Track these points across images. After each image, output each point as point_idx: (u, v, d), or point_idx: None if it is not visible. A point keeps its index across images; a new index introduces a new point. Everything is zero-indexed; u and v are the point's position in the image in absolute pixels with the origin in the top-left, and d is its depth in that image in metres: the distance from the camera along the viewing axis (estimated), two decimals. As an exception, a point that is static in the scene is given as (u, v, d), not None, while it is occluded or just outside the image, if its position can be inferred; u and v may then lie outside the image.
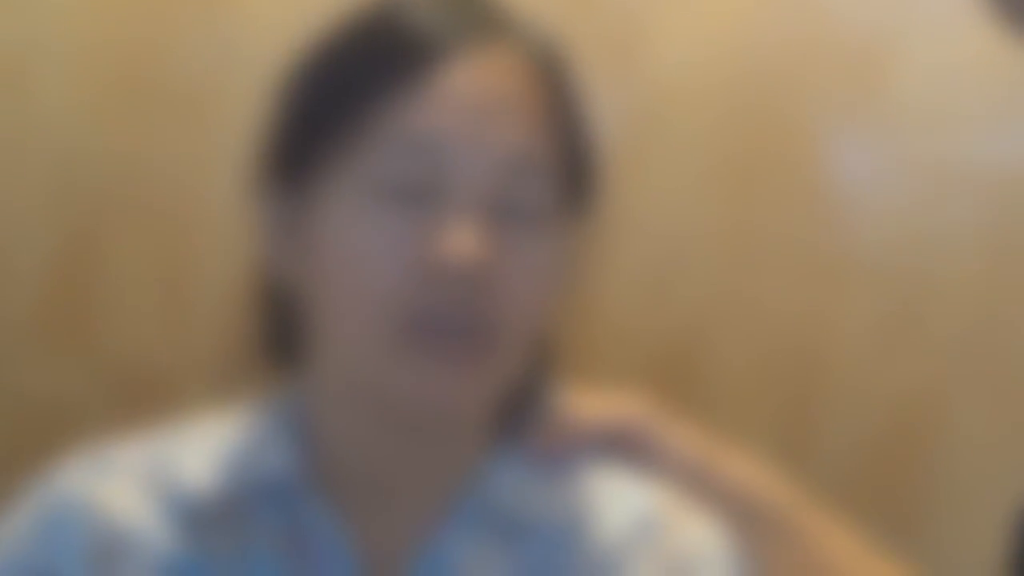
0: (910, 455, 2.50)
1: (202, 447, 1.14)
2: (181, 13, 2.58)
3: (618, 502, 1.17)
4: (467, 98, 1.08)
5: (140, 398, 2.47)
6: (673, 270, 2.53)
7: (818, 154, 2.51)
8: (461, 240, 1.05)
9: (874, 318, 2.51)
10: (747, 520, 1.21)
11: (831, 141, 2.51)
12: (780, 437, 2.49)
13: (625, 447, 1.20)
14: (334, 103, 1.10)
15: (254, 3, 2.54)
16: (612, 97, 2.50)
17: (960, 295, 2.48)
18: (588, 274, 1.19)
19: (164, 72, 2.58)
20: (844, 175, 2.51)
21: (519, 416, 1.16)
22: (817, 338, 2.52)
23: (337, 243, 1.08)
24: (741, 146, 2.52)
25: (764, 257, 2.52)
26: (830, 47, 2.48)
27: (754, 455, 1.24)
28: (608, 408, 1.20)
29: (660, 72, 2.51)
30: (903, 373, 2.50)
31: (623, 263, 2.50)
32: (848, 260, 2.51)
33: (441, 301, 1.06)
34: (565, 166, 1.12)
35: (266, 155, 1.14)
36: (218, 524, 1.11)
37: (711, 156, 2.52)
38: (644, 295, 2.53)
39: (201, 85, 2.56)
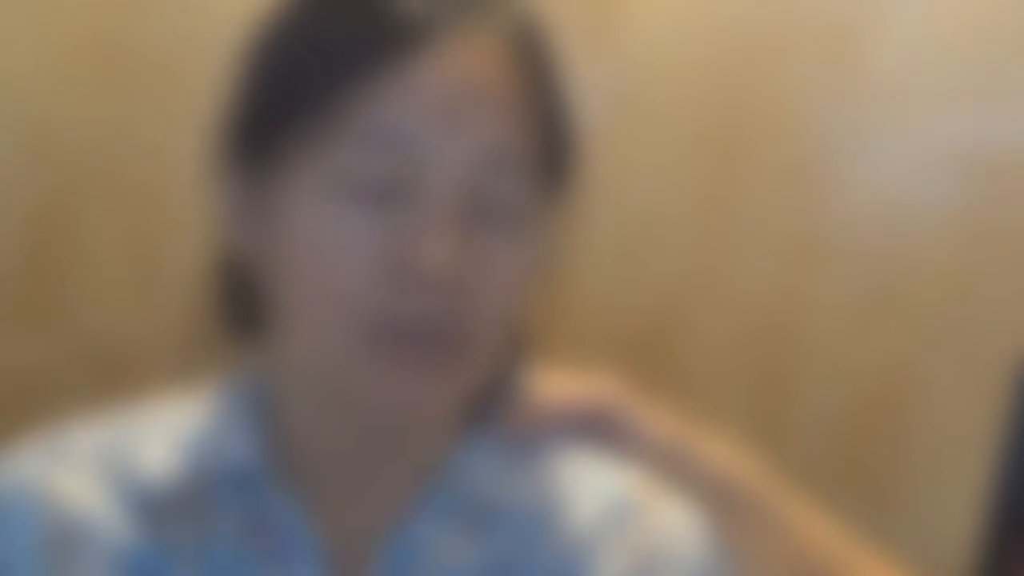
0: (883, 431, 2.52)
1: (161, 432, 1.10)
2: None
3: (591, 486, 1.14)
4: (444, 89, 1.00)
5: (111, 371, 2.47)
6: (648, 247, 2.54)
7: (795, 132, 2.52)
8: (435, 245, 0.99)
9: (848, 295, 2.52)
10: (721, 503, 1.20)
11: (809, 119, 2.51)
12: (755, 413, 2.50)
13: (597, 429, 1.19)
14: (298, 85, 1.03)
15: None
16: (589, 74, 2.49)
17: (934, 273, 2.50)
18: (564, 256, 1.16)
19: (135, 40, 2.56)
20: (821, 152, 2.52)
21: (490, 401, 1.13)
22: (791, 315, 2.53)
23: (302, 238, 1.02)
24: (718, 124, 2.52)
25: (739, 234, 2.52)
26: (809, 26, 2.48)
27: (729, 431, 1.24)
28: (579, 389, 1.19)
29: (637, 48, 2.51)
30: (877, 350, 2.51)
31: (598, 240, 2.50)
32: (823, 238, 2.52)
33: (413, 308, 1.00)
34: (545, 155, 1.06)
35: (225, 133, 1.08)
36: (178, 513, 1.07)
37: (688, 133, 2.52)
38: (619, 272, 2.53)
39: (173, 53, 2.55)
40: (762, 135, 2.51)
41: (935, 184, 2.48)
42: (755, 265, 2.52)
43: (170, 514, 1.07)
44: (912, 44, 2.46)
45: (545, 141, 1.06)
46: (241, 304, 1.12)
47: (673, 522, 1.14)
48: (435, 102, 1.00)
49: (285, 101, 1.03)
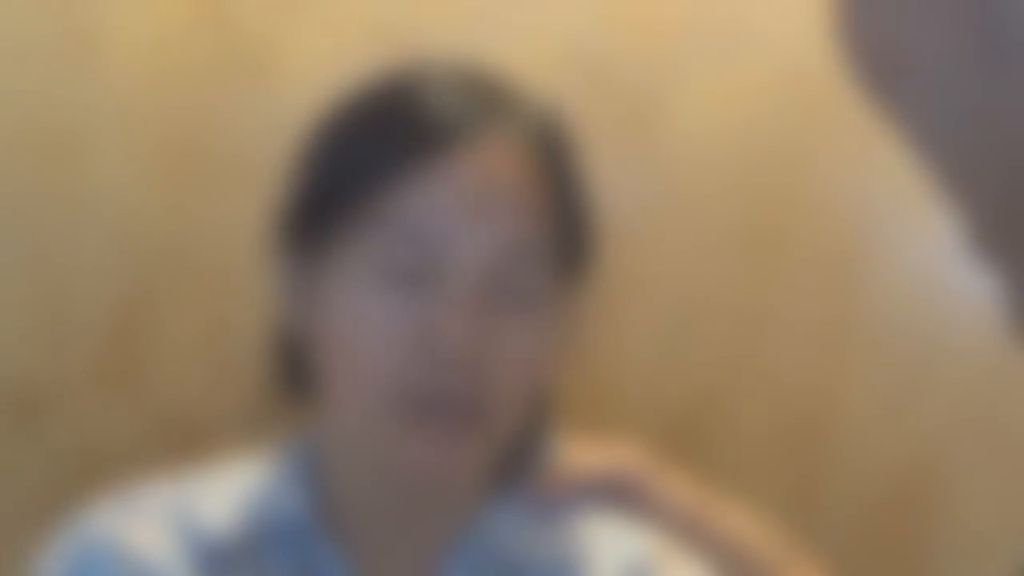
0: (916, 519, 2.50)
1: (223, 490, 1.21)
2: (229, 83, 2.64)
3: (611, 547, 1.23)
4: (467, 187, 1.12)
5: (185, 443, 2.52)
6: (686, 337, 2.56)
7: (830, 224, 2.52)
8: (457, 325, 1.10)
9: (882, 384, 2.51)
10: (738, 570, 1.26)
11: (844, 211, 2.52)
12: (788, 501, 2.50)
13: (619, 496, 1.26)
14: (342, 180, 1.15)
15: (297, 74, 2.61)
16: (628, 167, 2.52)
17: (964, 367, 2.49)
18: (586, 338, 1.24)
19: (213, 139, 2.63)
20: (857, 243, 2.53)
21: (518, 465, 1.23)
22: (826, 403, 2.52)
23: (342, 319, 1.14)
24: (754, 215, 2.53)
25: (775, 324, 2.52)
26: (842, 119, 2.50)
27: (762, 516, 1.29)
28: (603, 459, 1.26)
29: (676, 142, 2.53)
30: (910, 438, 2.49)
31: (637, 329, 2.51)
32: (857, 327, 2.51)
33: (437, 382, 1.11)
34: (563, 247, 1.16)
35: (281, 221, 1.21)
36: (235, 562, 1.18)
37: (725, 225, 2.53)
38: (656, 361, 2.54)
39: (247, 152, 2.61)
40: (798, 227, 2.51)
41: (968, 274, 2.48)
42: (790, 354, 2.52)
43: (229, 563, 1.18)
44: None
45: (563, 232, 1.16)
46: (295, 375, 1.23)
47: (690, 584, 1.22)
48: (459, 198, 1.12)
49: (331, 196, 1.16)
